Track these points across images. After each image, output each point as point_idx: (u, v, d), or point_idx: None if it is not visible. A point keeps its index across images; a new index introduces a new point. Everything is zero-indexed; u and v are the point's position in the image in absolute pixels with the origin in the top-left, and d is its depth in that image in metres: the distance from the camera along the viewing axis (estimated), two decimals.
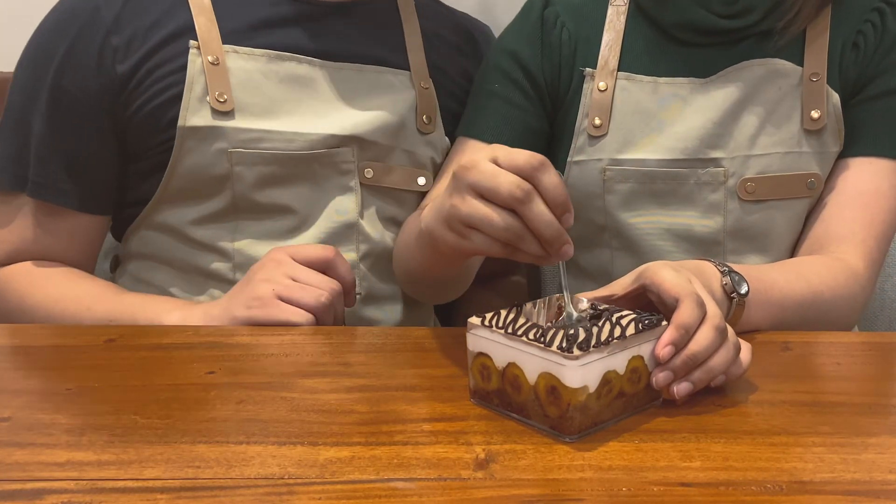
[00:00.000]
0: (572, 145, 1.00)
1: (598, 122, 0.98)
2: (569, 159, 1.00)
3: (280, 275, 0.84)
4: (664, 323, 0.63)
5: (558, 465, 0.55)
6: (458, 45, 1.11)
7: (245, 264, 0.94)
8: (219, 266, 0.97)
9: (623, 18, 1.01)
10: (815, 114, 0.95)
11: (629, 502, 0.51)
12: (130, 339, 0.79)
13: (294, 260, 0.86)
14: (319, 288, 0.84)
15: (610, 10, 1.02)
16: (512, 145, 0.99)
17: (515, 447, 0.58)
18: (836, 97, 0.96)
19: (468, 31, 1.14)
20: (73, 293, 0.93)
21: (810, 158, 0.96)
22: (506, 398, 0.62)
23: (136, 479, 0.53)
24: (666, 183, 0.97)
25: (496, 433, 0.60)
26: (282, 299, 0.83)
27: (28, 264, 0.96)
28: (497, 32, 1.12)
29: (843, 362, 0.75)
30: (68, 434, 0.59)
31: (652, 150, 0.97)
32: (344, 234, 0.99)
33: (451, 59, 1.09)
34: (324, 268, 0.87)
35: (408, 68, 1.04)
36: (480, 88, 1.05)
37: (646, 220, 0.98)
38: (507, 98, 1.02)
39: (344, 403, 0.64)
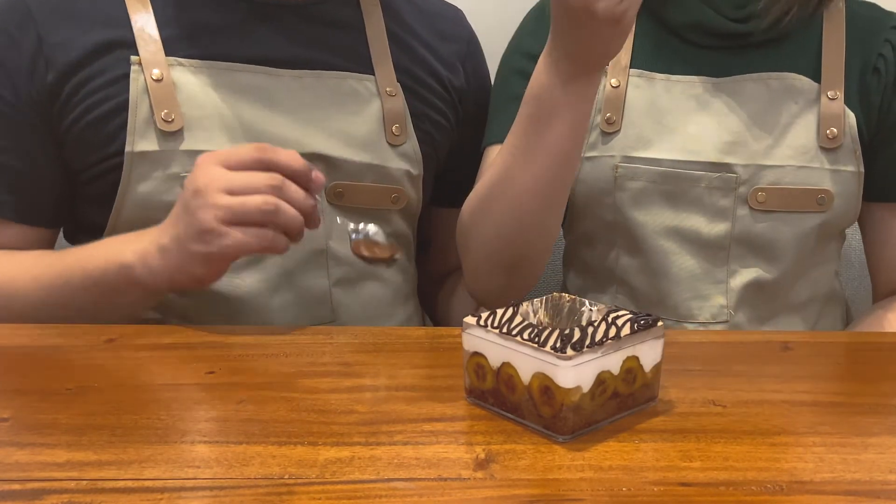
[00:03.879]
0: (585, 141, 0.99)
1: (610, 118, 0.98)
2: (581, 155, 0.99)
3: (216, 194, 0.76)
4: (660, 323, 0.63)
5: (558, 465, 0.55)
6: (427, 41, 1.03)
7: (208, 298, 0.89)
8: (182, 302, 0.90)
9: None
10: (831, 132, 0.96)
11: (629, 502, 0.51)
12: (130, 338, 0.79)
13: (227, 168, 0.77)
14: (258, 191, 0.76)
15: None
16: None
17: (515, 447, 0.58)
18: (852, 117, 0.97)
19: (436, 25, 1.06)
20: (13, 271, 0.87)
21: (823, 175, 0.97)
22: (500, 398, 0.62)
23: (136, 479, 0.53)
24: (677, 184, 0.97)
25: (496, 433, 0.60)
26: (228, 223, 0.76)
27: None
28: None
29: (843, 362, 0.75)
30: (68, 434, 0.59)
31: (666, 149, 0.97)
32: (313, 260, 0.93)
33: (421, 59, 1.02)
34: (262, 168, 0.78)
35: (373, 73, 0.97)
36: (504, 94, 1.03)
37: (654, 220, 0.99)
38: None
39: (344, 403, 0.64)
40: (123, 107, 0.89)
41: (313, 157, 0.92)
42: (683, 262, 0.98)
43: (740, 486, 0.53)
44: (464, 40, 1.09)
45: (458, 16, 1.11)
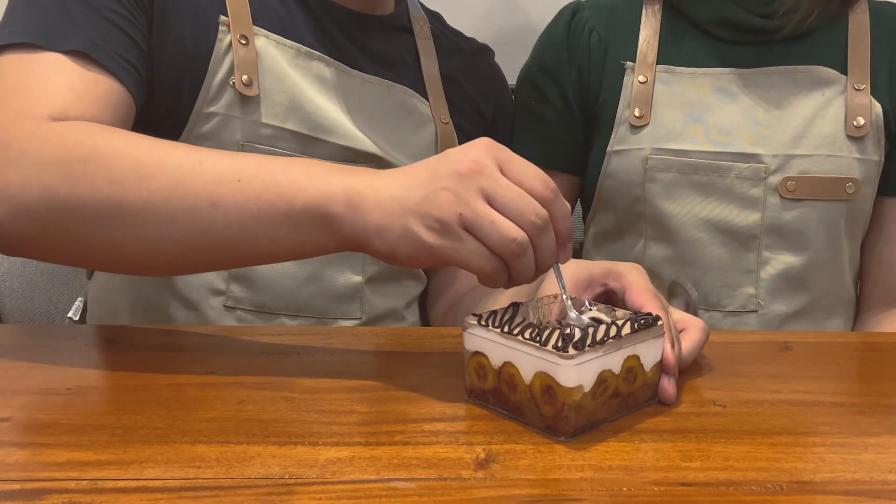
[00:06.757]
0: (613, 135, 1.02)
1: (639, 112, 1.01)
2: (609, 149, 1.03)
3: (474, 190, 0.62)
4: (660, 322, 0.63)
5: (558, 465, 0.55)
6: (469, 77, 1.09)
7: (241, 276, 0.90)
8: (210, 277, 0.91)
9: (659, 17, 1.04)
10: (858, 121, 0.98)
11: (629, 502, 0.51)
12: (130, 339, 0.79)
13: (501, 169, 0.63)
14: (517, 222, 0.62)
15: (645, 10, 1.05)
16: (548, 160, 1.04)
17: (515, 447, 0.58)
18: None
19: (473, 63, 1.12)
20: (170, 144, 0.72)
21: (851, 163, 0.98)
22: (501, 397, 0.62)
23: (136, 479, 0.53)
24: (707, 175, 0.99)
25: (496, 433, 0.60)
26: (467, 228, 0.62)
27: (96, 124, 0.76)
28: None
29: (843, 362, 0.75)
30: (68, 434, 0.59)
31: (695, 140, 0.99)
32: (349, 255, 0.94)
33: (465, 93, 1.08)
34: (539, 202, 0.64)
35: (427, 100, 1.02)
36: (520, 106, 1.10)
37: (685, 210, 1.01)
38: (542, 116, 1.08)
39: (344, 403, 0.64)
40: (202, 63, 0.88)
41: (366, 156, 0.94)
42: (714, 251, 1.00)
43: (740, 486, 0.53)
44: (493, 70, 1.15)
45: (488, 55, 1.16)
